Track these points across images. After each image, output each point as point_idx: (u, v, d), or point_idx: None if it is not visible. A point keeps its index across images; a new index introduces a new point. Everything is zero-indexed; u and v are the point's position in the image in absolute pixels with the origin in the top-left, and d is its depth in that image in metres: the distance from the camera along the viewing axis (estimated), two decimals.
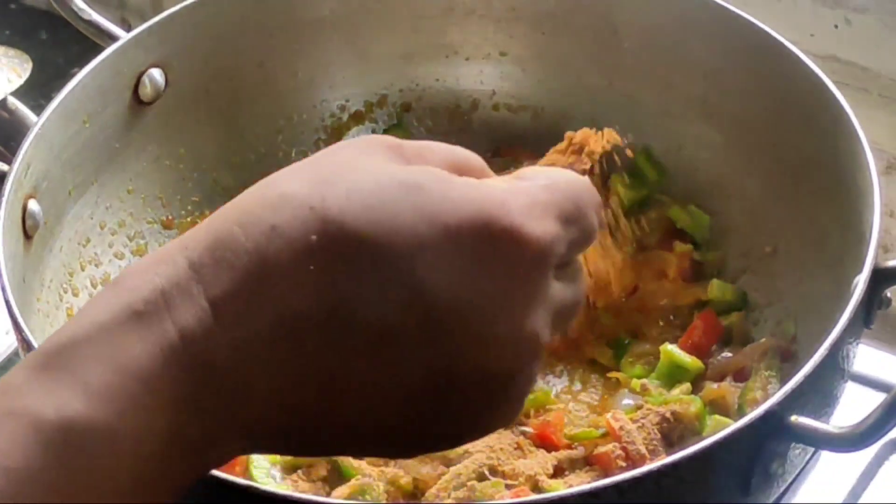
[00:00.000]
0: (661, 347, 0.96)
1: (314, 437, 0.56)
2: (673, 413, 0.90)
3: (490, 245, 0.54)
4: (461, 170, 0.59)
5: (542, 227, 0.55)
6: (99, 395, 0.51)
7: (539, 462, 0.88)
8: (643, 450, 0.88)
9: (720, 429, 0.78)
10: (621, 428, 0.88)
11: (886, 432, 0.76)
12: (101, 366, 0.51)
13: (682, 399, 0.91)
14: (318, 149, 1.14)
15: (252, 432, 0.55)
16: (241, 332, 0.52)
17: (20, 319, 0.83)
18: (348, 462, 0.88)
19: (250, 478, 0.87)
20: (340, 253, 0.53)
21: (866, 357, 0.98)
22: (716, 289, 1.01)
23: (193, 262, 0.53)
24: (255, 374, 0.53)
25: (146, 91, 1.04)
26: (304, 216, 0.53)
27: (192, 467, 0.54)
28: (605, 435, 0.89)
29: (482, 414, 0.57)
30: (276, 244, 0.53)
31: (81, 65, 1.00)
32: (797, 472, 0.83)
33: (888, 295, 0.87)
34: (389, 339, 0.53)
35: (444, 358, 0.54)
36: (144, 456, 0.51)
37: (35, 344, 0.81)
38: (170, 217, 1.07)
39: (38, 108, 1.01)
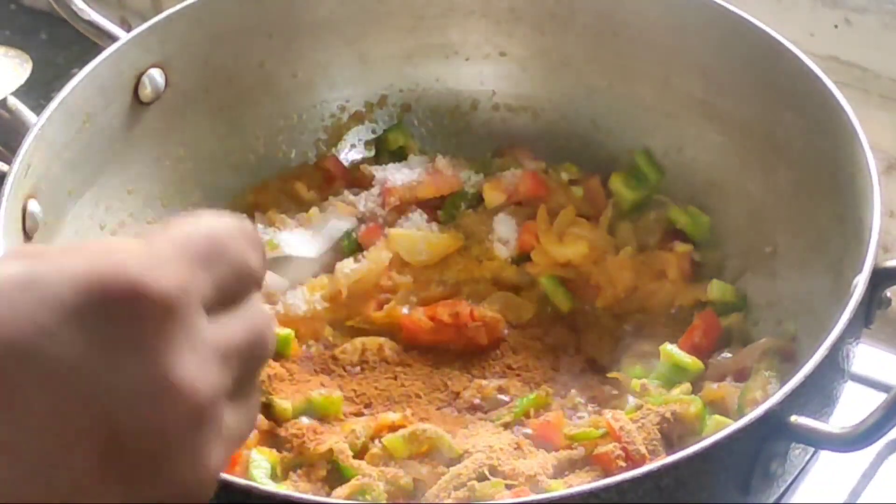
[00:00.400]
0: (661, 347, 0.96)
1: None
2: (673, 413, 0.90)
3: (111, 308, 0.51)
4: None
5: (160, 275, 0.52)
6: None
7: (539, 462, 0.88)
8: (643, 450, 0.88)
9: (720, 429, 0.78)
10: (621, 428, 0.88)
11: (886, 432, 0.76)
12: None
13: (682, 399, 0.91)
14: (318, 149, 1.14)
15: None
16: None
17: None
18: (348, 462, 0.88)
19: (250, 478, 0.87)
20: None
21: (866, 357, 0.98)
22: (716, 289, 1.01)
23: None
24: None
25: (146, 91, 1.04)
26: None
27: None
28: (605, 435, 0.89)
29: (167, 474, 0.53)
30: None
31: (81, 65, 1.00)
32: (797, 472, 0.83)
33: (888, 295, 0.87)
34: (55, 425, 0.50)
35: (105, 427, 0.51)
36: None
37: None
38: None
39: (38, 108, 1.01)
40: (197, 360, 0.53)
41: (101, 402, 0.51)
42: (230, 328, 0.56)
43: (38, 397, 0.50)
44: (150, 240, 0.55)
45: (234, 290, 0.57)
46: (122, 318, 0.52)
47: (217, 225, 0.58)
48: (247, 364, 0.57)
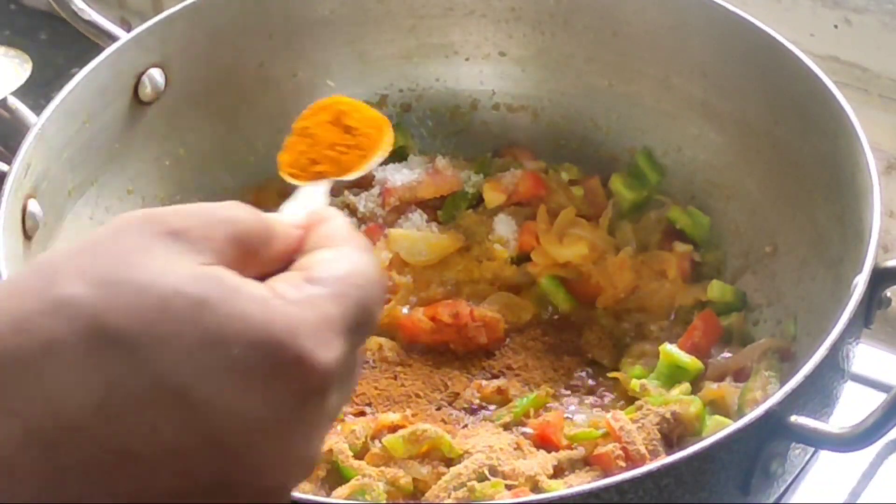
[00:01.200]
0: (661, 347, 0.96)
1: None
2: (673, 413, 0.90)
3: (275, 371, 0.53)
4: (246, 246, 0.57)
5: (330, 352, 0.54)
6: None
7: (539, 462, 0.88)
8: (643, 450, 0.88)
9: (720, 429, 0.78)
10: (621, 428, 0.88)
11: (886, 432, 0.76)
12: None
13: (681, 399, 0.91)
14: None
15: None
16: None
17: None
18: (348, 462, 0.88)
19: None
20: (118, 371, 0.51)
21: (866, 357, 0.98)
22: (715, 290, 1.01)
23: None
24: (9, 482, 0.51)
25: (146, 91, 1.04)
26: (81, 329, 0.51)
27: None
28: (605, 435, 0.89)
29: None
30: (52, 359, 0.51)
31: (81, 65, 1.00)
32: (797, 472, 0.83)
33: (888, 295, 0.87)
34: (173, 457, 0.52)
35: (224, 474, 0.53)
36: None
37: None
38: None
39: (38, 108, 1.01)
40: (320, 437, 0.56)
41: (233, 464, 0.53)
42: (341, 399, 0.57)
43: (173, 432, 0.51)
44: (313, 299, 0.55)
45: (359, 347, 0.59)
46: (283, 382, 0.53)
47: (368, 286, 0.58)
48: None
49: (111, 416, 0.51)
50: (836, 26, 1.18)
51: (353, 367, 0.58)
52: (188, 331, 0.52)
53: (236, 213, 0.58)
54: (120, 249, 0.54)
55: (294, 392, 0.53)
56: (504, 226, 1.06)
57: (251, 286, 0.54)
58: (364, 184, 1.10)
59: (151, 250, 0.54)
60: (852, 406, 0.85)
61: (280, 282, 0.56)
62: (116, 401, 0.51)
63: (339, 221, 0.61)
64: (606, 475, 0.84)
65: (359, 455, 0.89)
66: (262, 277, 0.57)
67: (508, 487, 0.85)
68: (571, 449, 0.90)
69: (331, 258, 0.58)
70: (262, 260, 0.58)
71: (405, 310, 1.02)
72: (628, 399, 0.96)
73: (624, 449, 0.88)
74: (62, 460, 0.51)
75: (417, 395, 0.97)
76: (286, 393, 0.53)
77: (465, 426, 0.95)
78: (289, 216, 0.63)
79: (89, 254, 0.54)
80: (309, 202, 0.71)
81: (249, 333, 0.53)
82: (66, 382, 0.51)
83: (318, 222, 0.61)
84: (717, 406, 0.92)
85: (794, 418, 0.77)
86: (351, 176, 0.77)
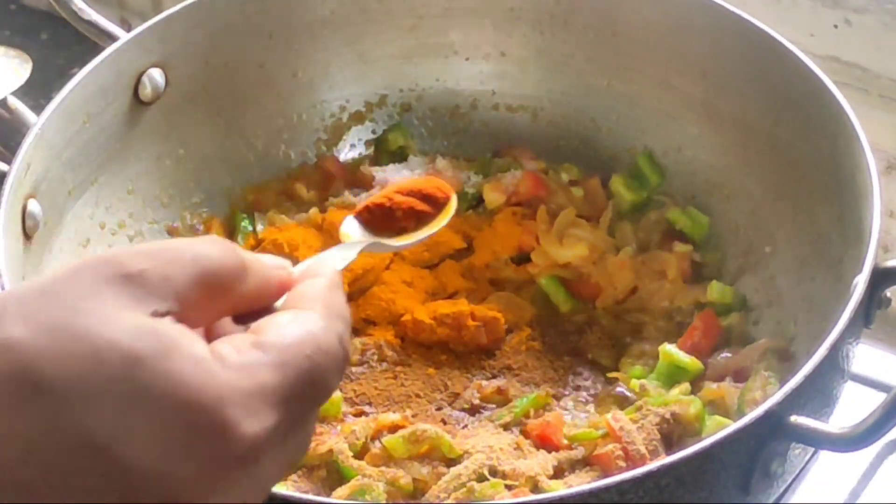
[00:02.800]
0: (661, 348, 0.96)
1: None
2: (672, 414, 0.90)
3: (198, 435, 0.52)
4: (214, 285, 0.56)
5: (258, 423, 0.53)
6: None
7: (539, 462, 0.88)
8: (643, 450, 0.88)
9: (720, 429, 0.78)
10: (621, 428, 0.88)
11: (886, 432, 0.76)
12: None
13: (681, 400, 0.91)
14: (317, 149, 1.14)
15: None
16: None
17: None
18: (348, 462, 0.88)
19: None
20: (44, 420, 0.51)
21: (866, 357, 0.98)
22: (715, 291, 1.01)
23: None
24: None
25: (146, 91, 1.04)
26: (13, 373, 0.51)
27: None
28: (605, 435, 0.89)
29: None
30: None
31: (81, 65, 1.00)
32: (797, 472, 0.84)
33: (888, 295, 0.87)
34: None
35: None
36: None
37: None
38: (174, 224, 1.07)
39: (38, 108, 1.01)
40: (251, 494, 0.55)
41: None
42: (286, 458, 0.56)
43: (95, 488, 0.51)
44: (252, 368, 0.54)
45: (309, 415, 0.58)
46: (203, 448, 0.52)
47: (317, 356, 0.56)
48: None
49: (36, 465, 0.51)
50: (836, 26, 1.18)
51: (297, 434, 0.57)
52: (117, 388, 0.51)
53: (206, 251, 0.56)
54: (70, 294, 0.53)
55: (216, 458, 0.52)
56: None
57: (192, 346, 0.53)
58: (364, 184, 1.10)
59: (100, 296, 0.53)
60: (852, 406, 0.85)
61: (225, 343, 0.55)
62: (42, 450, 0.51)
63: (319, 282, 0.60)
64: (606, 475, 0.84)
65: (359, 455, 0.89)
66: (238, 315, 0.57)
67: (508, 487, 0.85)
68: (571, 449, 0.90)
69: (286, 322, 0.57)
70: (233, 297, 0.57)
71: (405, 310, 1.02)
72: (629, 399, 0.96)
73: (624, 449, 0.88)
74: None
75: (417, 395, 0.97)
76: (208, 458, 0.52)
77: (465, 426, 0.95)
78: (278, 260, 0.61)
79: (40, 296, 0.53)
80: (331, 257, 0.70)
81: (178, 395, 0.52)
82: None
83: (303, 278, 0.60)
84: (716, 406, 0.92)
85: (794, 418, 0.77)
86: (407, 241, 0.80)
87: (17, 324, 0.52)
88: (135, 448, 0.51)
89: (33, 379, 0.51)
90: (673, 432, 0.90)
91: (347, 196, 1.09)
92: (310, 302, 0.58)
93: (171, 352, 0.53)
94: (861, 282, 0.83)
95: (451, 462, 0.88)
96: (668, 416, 0.90)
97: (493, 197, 1.08)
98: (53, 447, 0.51)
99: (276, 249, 1.02)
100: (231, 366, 0.54)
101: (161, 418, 0.51)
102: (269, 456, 0.55)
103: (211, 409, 0.52)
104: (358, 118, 1.15)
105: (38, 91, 1.29)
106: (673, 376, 0.95)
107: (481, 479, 0.86)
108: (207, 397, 0.52)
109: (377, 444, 0.90)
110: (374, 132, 1.15)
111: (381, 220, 0.81)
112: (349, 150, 1.15)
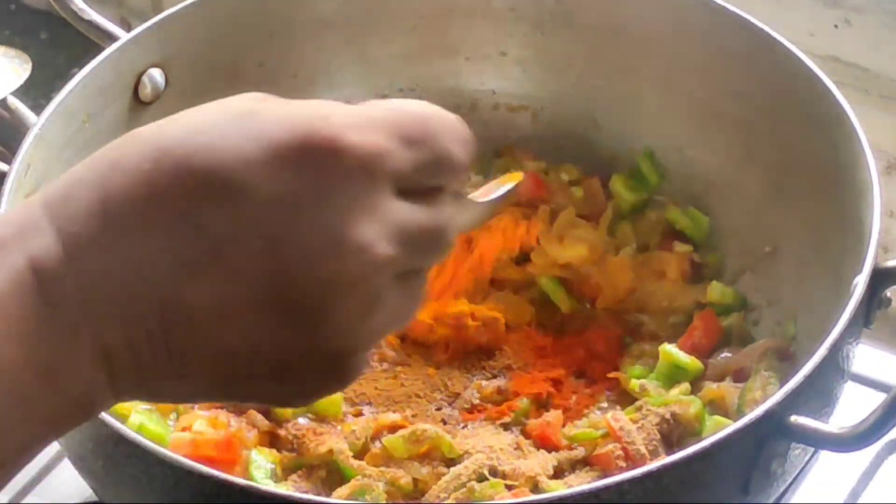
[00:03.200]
0: (661, 348, 0.96)
1: (166, 362, 0.57)
2: (672, 414, 0.90)
3: (310, 156, 0.56)
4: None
5: (364, 137, 0.56)
6: None
7: (539, 462, 0.88)
8: (643, 450, 0.88)
9: (720, 429, 0.78)
10: (621, 428, 0.88)
11: (886, 432, 0.76)
12: None
13: (681, 400, 0.91)
14: None
15: (108, 353, 0.56)
16: (87, 263, 0.55)
17: None
18: (348, 462, 0.88)
19: (250, 478, 0.87)
20: (175, 177, 0.55)
21: (866, 357, 0.98)
22: (715, 292, 1.01)
23: (47, 199, 0.57)
24: (99, 299, 0.55)
25: (146, 91, 1.04)
26: (141, 149, 0.56)
27: (54, 400, 0.56)
28: (605, 435, 0.89)
29: (324, 326, 0.57)
30: (115, 176, 0.56)
31: (81, 65, 1.00)
32: (797, 472, 0.83)
33: (888, 295, 0.87)
34: (227, 251, 0.55)
35: (277, 264, 0.55)
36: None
37: None
38: None
39: (38, 108, 1.01)
40: (376, 229, 0.56)
41: (276, 243, 0.55)
42: (416, 214, 0.58)
43: (219, 222, 0.55)
44: (367, 106, 0.59)
45: (431, 178, 0.60)
46: (317, 168, 0.56)
47: (432, 112, 0.60)
48: (420, 254, 0.59)
49: (183, 217, 0.55)
50: (836, 26, 1.18)
51: (435, 199, 0.59)
52: (231, 132, 0.56)
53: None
54: (199, 108, 0.59)
55: (328, 174, 0.55)
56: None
57: (297, 101, 0.58)
58: None
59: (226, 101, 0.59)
60: (852, 406, 0.85)
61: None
62: (179, 204, 0.55)
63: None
64: (606, 475, 0.84)
65: (359, 455, 0.89)
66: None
67: (508, 487, 0.85)
68: (571, 449, 0.90)
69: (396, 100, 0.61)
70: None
71: None
72: (628, 399, 0.96)
73: (624, 449, 0.88)
74: (146, 267, 0.56)
75: (417, 395, 0.97)
76: (320, 175, 0.55)
77: (465, 426, 0.95)
78: None
79: (194, 111, 0.59)
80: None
81: (284, 126, 0.56)
82: (133, 193, 0.56)
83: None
84: (716, 406, 0.92)
85: (793, 418, 0.77)
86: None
87: (142, 127, 0.58)
88: (258, 184, 0.55)
89: (153, 148, 0.56)
90: (673, 432, 0.90)
91: None
92: None
93: (280, 101, 0.58)
94: (861, 282, 0.83)
95: (451, 462, 0.88)
96: (668, 416, 0.90)
97: None
98: (187, 202, 0.55)
99: None
100: (334, 106, 0.58)
101: (276, 152, 0.55)
102: (407, 198, 0.58)
103: (317, 127, 0.56)
104: None
105: (38, 91, 1.29)
106: (673, 376, 0.95)
107: (481, 479, 0.86)
108: (313, 119, 0.57)
109: (377, 444, 0.90)
110: None
111: None
112: None
